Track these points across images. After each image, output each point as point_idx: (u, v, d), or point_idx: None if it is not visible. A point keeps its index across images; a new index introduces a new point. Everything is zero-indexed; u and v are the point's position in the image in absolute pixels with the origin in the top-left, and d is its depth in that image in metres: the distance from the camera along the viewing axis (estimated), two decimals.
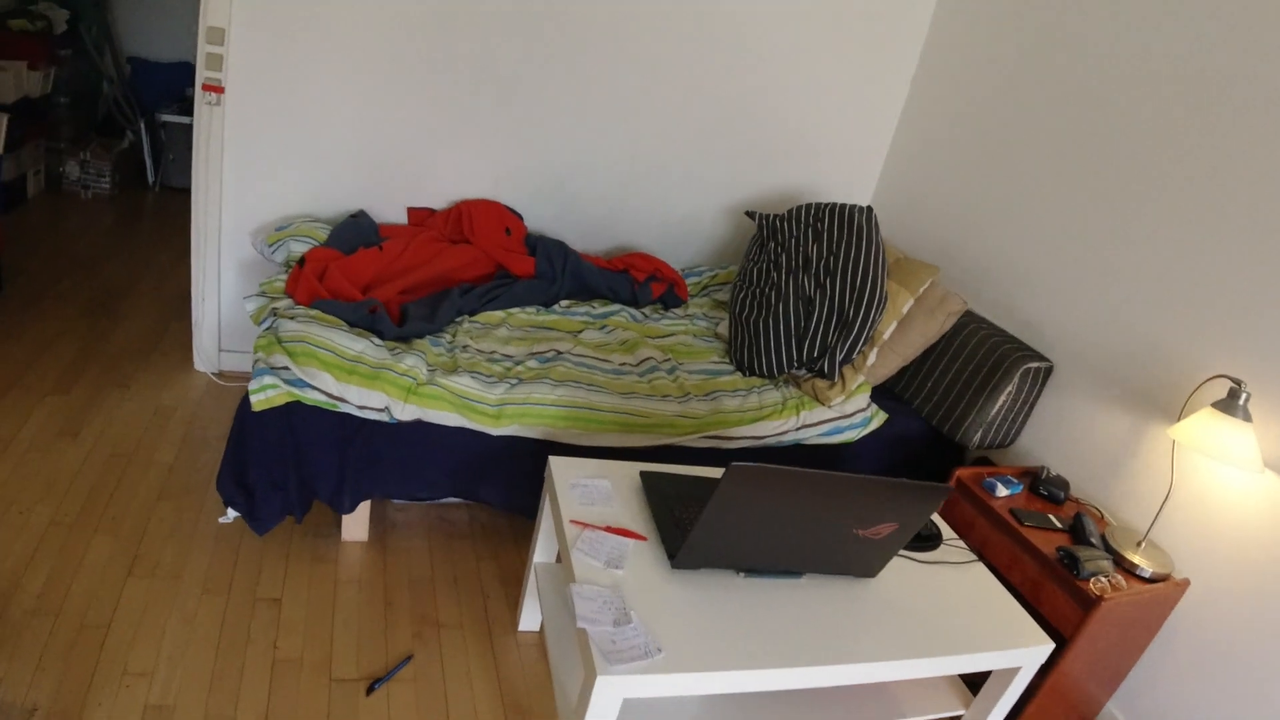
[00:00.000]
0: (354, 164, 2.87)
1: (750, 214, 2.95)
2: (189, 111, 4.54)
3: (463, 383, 2.08)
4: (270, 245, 2.63)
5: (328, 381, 1.98)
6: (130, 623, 1.94)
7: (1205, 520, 2.21)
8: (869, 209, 2.76)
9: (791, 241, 2.74)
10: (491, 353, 2.32)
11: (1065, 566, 2.10)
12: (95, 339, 3.14)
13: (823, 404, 2.52)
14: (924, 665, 1.63)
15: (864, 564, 1.74)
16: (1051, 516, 2.32)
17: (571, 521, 1.70)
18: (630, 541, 1.68)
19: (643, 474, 1.88)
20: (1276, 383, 2.12)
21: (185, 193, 4.70)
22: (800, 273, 2.66)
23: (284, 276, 2.46)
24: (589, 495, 1.81)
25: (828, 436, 2.49)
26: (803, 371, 2.60)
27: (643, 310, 2.84)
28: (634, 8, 2.81)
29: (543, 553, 2.03)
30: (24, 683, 1.73)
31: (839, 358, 2.52)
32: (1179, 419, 2.29)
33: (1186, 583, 2.19)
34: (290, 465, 2.03)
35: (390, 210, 2.96)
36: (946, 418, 2.68)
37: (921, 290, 2.68)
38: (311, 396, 1.99)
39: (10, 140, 3.78)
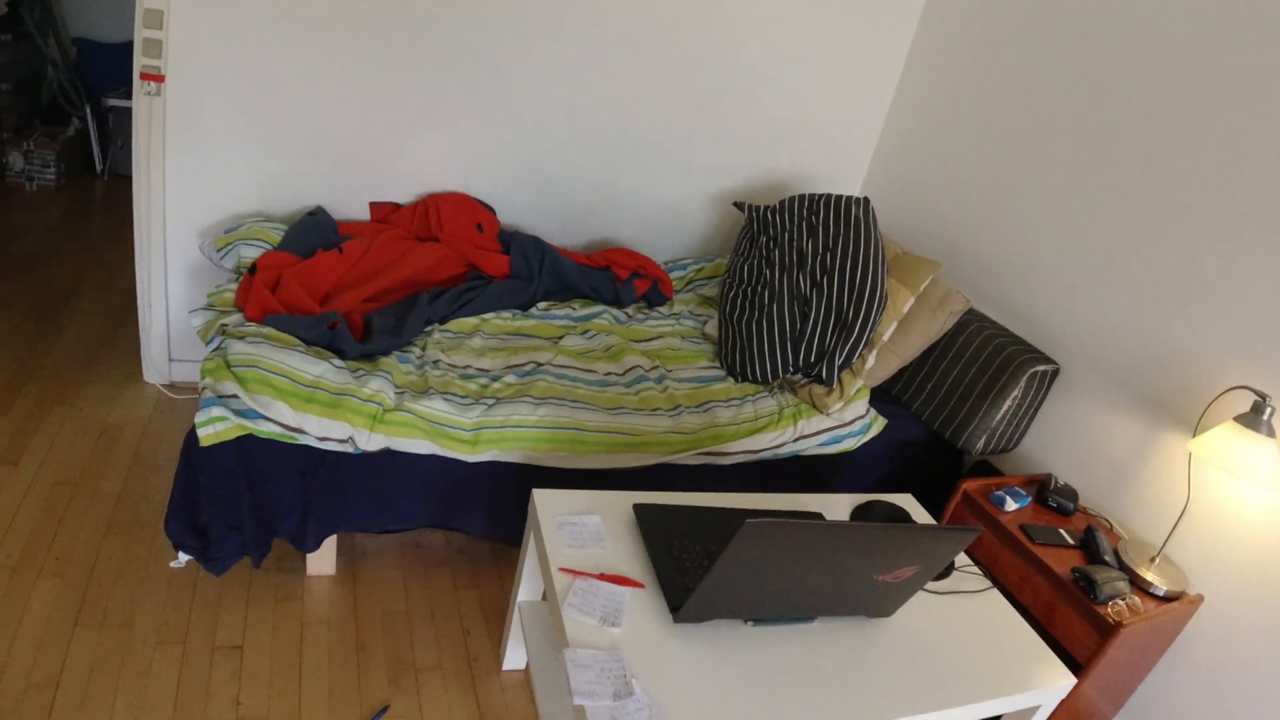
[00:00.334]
0: (310, 156, 2.65)
1: (739, 205, 2.77)
2: None
3: (434, 406, 1.90)
4: (219, 250, 2.41)
5: (283, 411, 1.79)
6: (80, 680, 1.76)
7: (1222, 535, 2.10)
8: (865, 200, 2.59)
9: (784, 236, 2.57)
10: (465, 367, 2.14)
11: (1081, 589, 1.99)
12: (37, 349, 2.91)
13: (820, 412, 2.37)
14: (944, 717, 1.50)
15: (880, 605, 1.60)
16: (1062, 531, 2.21)
17: (561, 570, 1.54)
18: (627, 591, 1.52)
19: (636, 508, 1.72)
20: None
21: None
22: (795, 270, 2.49)
23: (234, 286, 2.25)
24: (578, 535, 1.65)
25: (826, 446, 2.35)
26: (799, 376, 2.45)
27: (626, 310, 2.67)
28: None
29: (527, 590, 1.87)
30: None
31: (838, 362, 2.37)
32: (1196, 430, 2.18)
33: (1200, 599, 2.10)
34: (245, 504, 1.84)
35: (351, 206, 2.75)
36: (948, 422, 2.55)
37: (922, 288, 2.53)
38: (265, 429, 1.80)
39: None
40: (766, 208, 2.70)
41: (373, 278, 2.34)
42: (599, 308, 2.58)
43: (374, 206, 2.73)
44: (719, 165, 3.02)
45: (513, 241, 2.61)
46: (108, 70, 4.76)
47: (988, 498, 2.29)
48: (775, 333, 2.41)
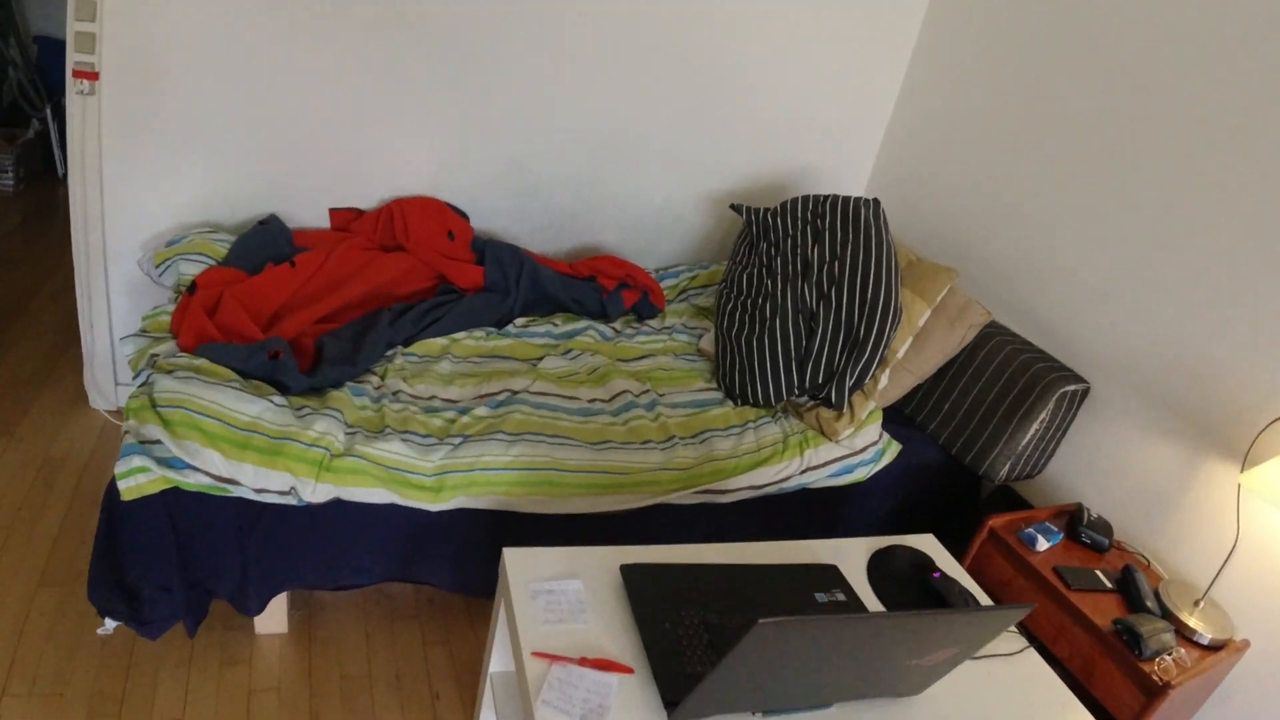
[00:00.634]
0: (263, 158, 2.39)
1: (736, 207, 2.53)
2: None
3: (391, 450, 1.66)
4: (158, 266, 2.16)
5: (214, 460, 1.55)
6: None
7: (1273, 576, 1.89)
8: (875, 202, 2.35)
9: (787, 243, 2.33)
10: (430, 398, 1.89)
11: (1125, 644, 1.77)
12: None
13: (829, 438, 2.14)
14: None
15: (909, 685, 1.37)
16: (1098, 572, 2.00)
17: (534, 654, 1.31)
18: (614, 678, 1.29)
19: (624, 570, 1.48)
20: None
21: None
22: (799, 281, 2.25)
23: (172, 308, 2.00)
24: (556, 605, 1.41)
25: (836, 478, 2.12)
26: (804, 399, 2.21)
27: (613, 325, 2.42)
28: None
29: (500, 660, 1.63)
30: None
31: (848, 384, 2.13)
32: (1246, 460, 1.96)
33: (1246, 644, 1.89)
34: (175, 564, 1.60)
35: (308, 213, 2.49)
36: (968, 447, 2.32)
37: (939, 299, 2.30)
38: (194, 481, 1.56)
39: None
40: (767, 210, 2.46)
41: (328, 294, 2.09)
42: (583, 323, 2.34)
43: (334, 213, 2.48)
44: (714, 164, 2.77)
45: (487, 250, 2.36)
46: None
47: (1017, 535, 2.07)
48: (779, 351, 2.17)
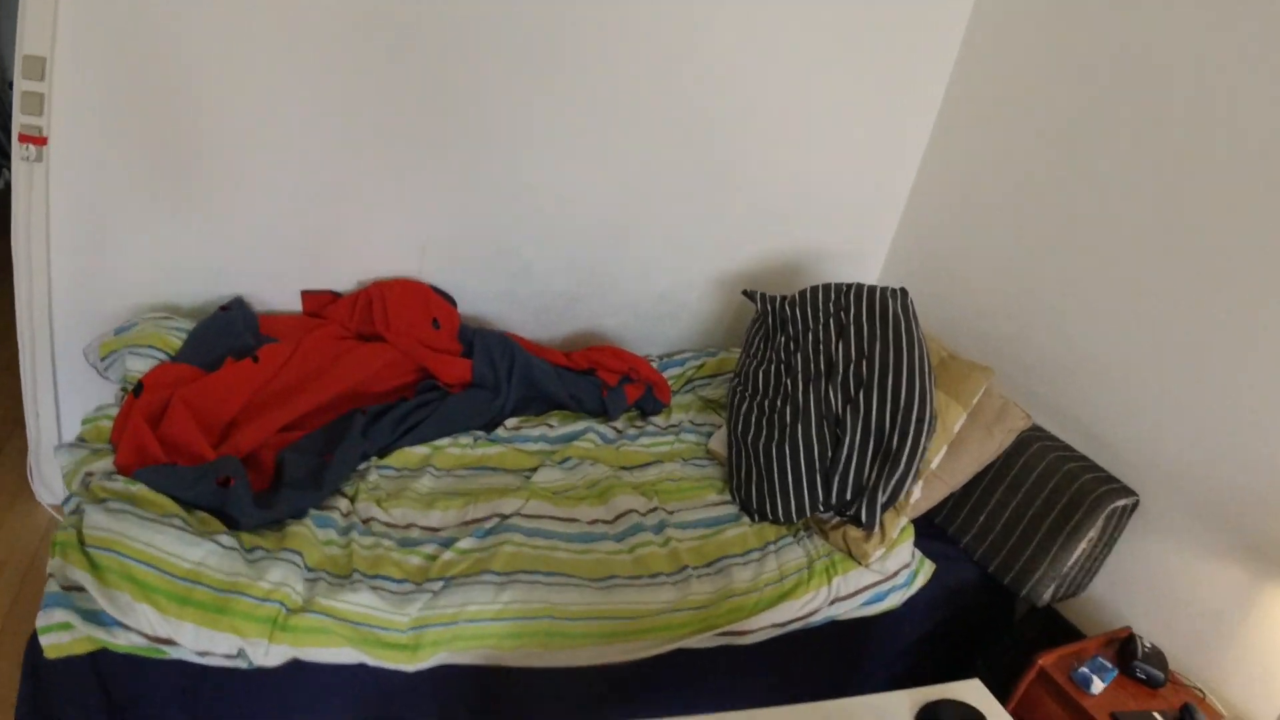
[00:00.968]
0: (228, 233, 2.15)
1: (749, 294, 2.32)
2: None
3: (358, 602, 1.40)
4: (104, 358, 1.92)
5: (148, 617, 1.29)
6: None
7: None
8: (903, 292, 2.15)
9: (808, 337, 2.12)
10: (408, 527, 1.64)
11: None
12: None
13: (859, 562, 1.91)
14: None
15: None
16: (1157, 716, 1.77)
17: None
18: None
19: None
20: None
21: None
22: (823, 381, 2.03)
23: (116, 410, 1.76)
24: None
25: (867, 606, 1.89)
26: (830, 514, 1.98)
27: (614, 425, 2.19)
28: (609, 35, 2.14)
29: None
30: None
31: (880, 501, 1.91)
32: None
33: None
34: None
35: (279, 295, 2.26)
36: (1007, 566, 2.09)
37: (975, 401, 2.09)
38: (125, 642, 1.30)
39: None
40: (784, 299, 2.25)
41: (294, 395, 1.85)
42: (581, 424, 2.11)
43: (307, 296, 2.25)
44: (721, 245, 2.57)
45: (476, 341, 2.14)
46: None
47: (1069, 676, 1.84)
48: (801, 461, 1.94)
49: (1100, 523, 2.01)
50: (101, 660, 1.33)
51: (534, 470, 1.91)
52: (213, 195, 2.10)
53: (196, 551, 1.37)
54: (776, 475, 1.95)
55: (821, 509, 1.96)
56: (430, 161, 2.21)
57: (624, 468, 2.02)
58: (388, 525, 1.63)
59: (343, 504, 1.64)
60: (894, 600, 1.92)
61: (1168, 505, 2.04)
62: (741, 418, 2.09)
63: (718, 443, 2.22)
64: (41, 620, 1.30)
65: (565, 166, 2.29)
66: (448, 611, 1.45)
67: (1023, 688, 1.88)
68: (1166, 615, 2.06)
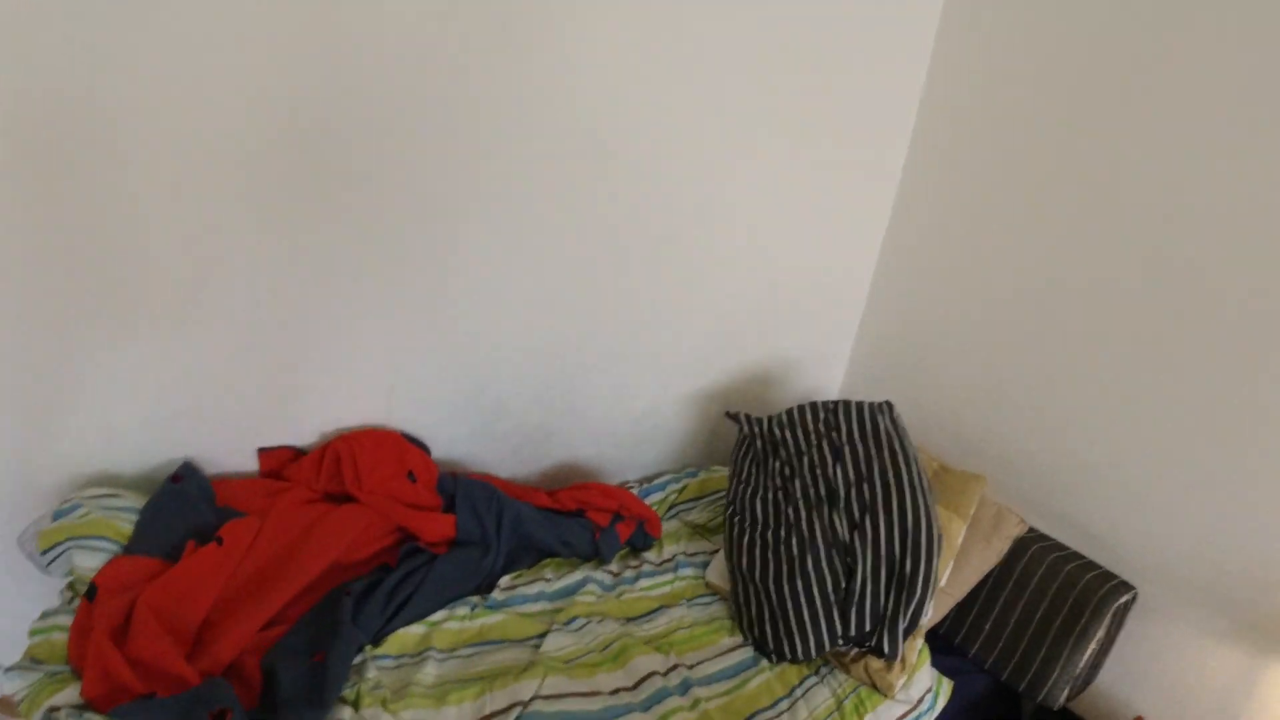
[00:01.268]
0: (173, 387, 1.92)
1: (733, 415, 2.27)
2: None
3: None
4: (44, 552, 1.69)
5: None
6: None
7: None
8: (889, 406, 2.15)
9: (803, 461, 2.07)
10: None
11: None
12: None
13: (885, 694, 1.84)
14: None
15: None
16: None
17: None
18: None
19: None
20: None
21: None
22: (825, 508, 1.99)
23: (68, 619, 1.54)
24: None
25: None
26: (848, 647, 1.91)
27: (610, 569, 2.08)
28: (569, 169, 2.08)
29: None
30: None
31: (901, 627, 1.85)
32: None
33: None
34: None
35: (232, 454, 2.06)
36: (1020, 672, 2.07)
37: (972, 512, 2.09)
38: None
39: None
40: (770, 420, 2.21)
41: (269, 583, 1.67)
42: (578, 574, 1.99)
43: (264, 455, 2.07)
44: (694, 362, 2.52)
45: (458, 493, 2.00)
46: None
47: None
48: (815, 595, 1.88)
49: (1107, 621, 2.01)
50: None
51: (541, 636, 1.77)
52: (151, 343, 1.87)
53: None
54: (791, 612, 1.87)
55: (840, 642, 1.89)
56: (392, 302, 2.07)
57: (631, 619, 1.90)
58: None
59: (345, 713, 1.46)
60: None
61: (1166, 593, 2.07)
62: (745, 551, 2.01)
63: (716, 575, 2.13)
64: None
65: (531, 298, 2.20)
66: None
67: None
68: (1172, 700, 2.08)
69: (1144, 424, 2.09)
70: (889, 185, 2.62)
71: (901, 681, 1.87)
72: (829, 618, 1.87)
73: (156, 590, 1.56)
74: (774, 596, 1.90)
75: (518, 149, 1.99)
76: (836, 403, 2.17)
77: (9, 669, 1.51)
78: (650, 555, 2.18)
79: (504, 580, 1.92)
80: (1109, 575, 2.07)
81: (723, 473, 2.58)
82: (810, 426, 2.13)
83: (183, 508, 1.79)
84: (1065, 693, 2.05)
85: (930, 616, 2.00)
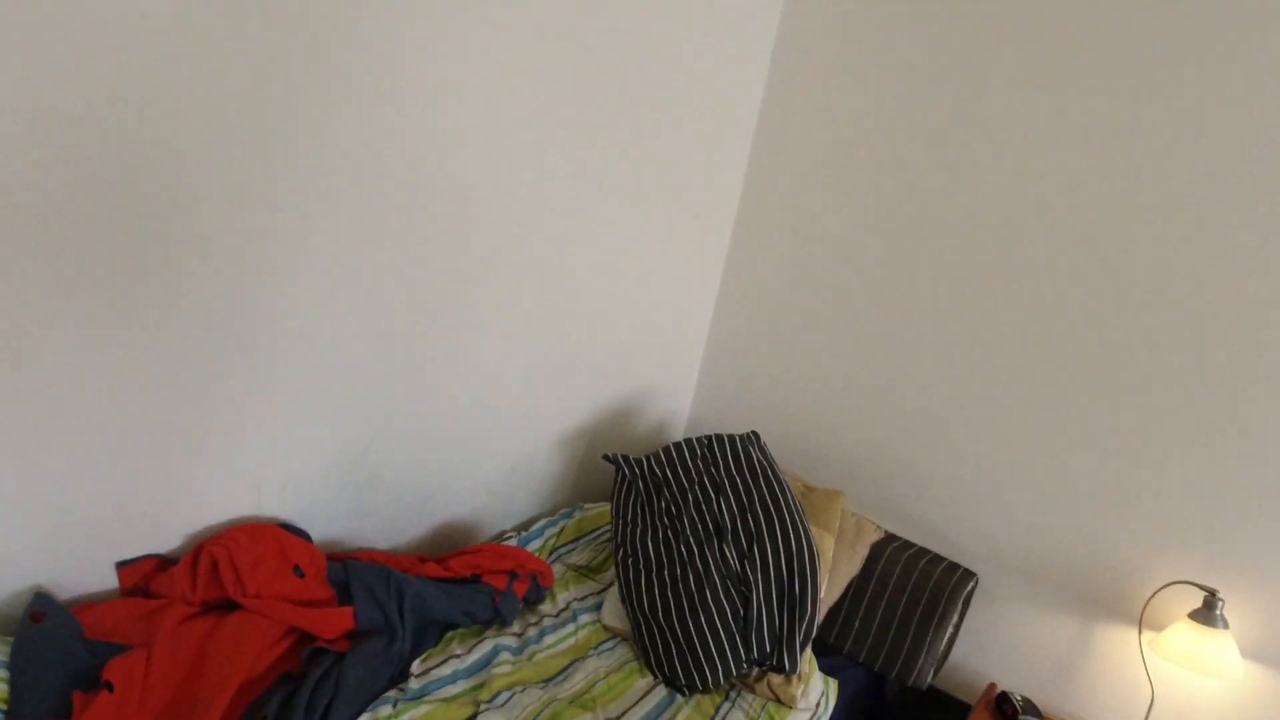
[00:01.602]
0: (9, 498, 1.67)
1: (610, 458, 2.35)
2: None
3: None
4: None
5: None
6: None
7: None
8: (754, 436, 2.32)
9: (688, 499, 2.19)
10: None
11: None
12: None
13: (789, 706, 2.01)
14: None
15: None
16: None
17: None
18: None
19: None
20: (1239, 582, 2.04)
21: None
22: (715, 541, 2.12)
23: None
24: None
25: None
26: (750, 668, 2.06)
27: (513, 630, 2.10)
28: (403, 223, 2.06)
29: None
30: None
31: (798, 643, 2.02)
32: (1141, 624, 2.17)
33: None
34: None
35: (87, 574, 1.85)
36: (891, 661, 2.33)
37: (838, 526, 2.30)
38: None
39: None
40: (649, 459, 2.31)
41: None
42: (488, 645, 1.99)
43: (124, 570, 1.89)
44: (559, 408, 2.57)
45: (351, 581, 1.93)
46: None
47: None
48: (717, 626, 2.01)
49: (959, 606, 2.30)
50: None
51: None
52: None
53: None
54: (698, 645, 1.99)
55: (745, 666, 2.03)
56: (250, 378, 1.93)
57: (548, 680, 1.94)
58: None
59: None
60: None
61: (1002, 575, 2.40)
62: (644, 592, 2.10)
63: (612, 617, 2.20)
64: None
65: (391, 367, 2.14)
66: None
67: None
68: (1020, 665, 2.41)
69: (967, 431, 2.40)
70: (724, 232, 2.85)
71: (801, 690, 2.05)
72: (732, 645, 2.01)
73: None
74: (679, 632, 2.01)
75: (347, 221, 1.92)
76: (709, 437, 2.31)
77: None
78: (546, 607, 2.22)
79: (415, 666, 1.89)
80: (955, 566, 2.37)
81: (595, 510, 2.65)
82: (690, 464, 2.26)
83: (54, 653, 1.61)
84: (932, 672, 2.32)
85: None
